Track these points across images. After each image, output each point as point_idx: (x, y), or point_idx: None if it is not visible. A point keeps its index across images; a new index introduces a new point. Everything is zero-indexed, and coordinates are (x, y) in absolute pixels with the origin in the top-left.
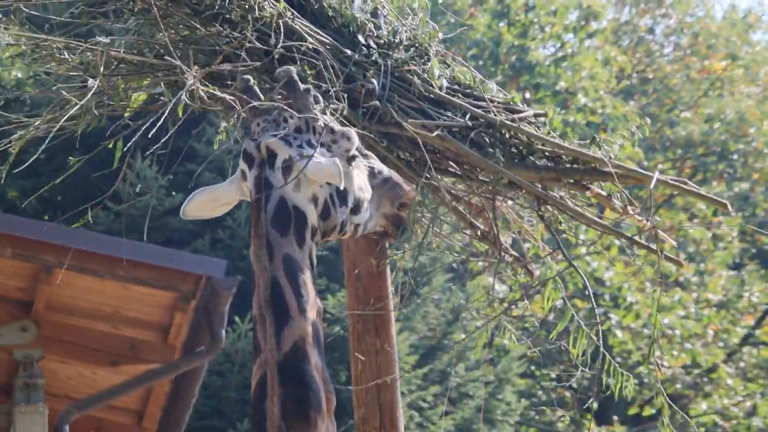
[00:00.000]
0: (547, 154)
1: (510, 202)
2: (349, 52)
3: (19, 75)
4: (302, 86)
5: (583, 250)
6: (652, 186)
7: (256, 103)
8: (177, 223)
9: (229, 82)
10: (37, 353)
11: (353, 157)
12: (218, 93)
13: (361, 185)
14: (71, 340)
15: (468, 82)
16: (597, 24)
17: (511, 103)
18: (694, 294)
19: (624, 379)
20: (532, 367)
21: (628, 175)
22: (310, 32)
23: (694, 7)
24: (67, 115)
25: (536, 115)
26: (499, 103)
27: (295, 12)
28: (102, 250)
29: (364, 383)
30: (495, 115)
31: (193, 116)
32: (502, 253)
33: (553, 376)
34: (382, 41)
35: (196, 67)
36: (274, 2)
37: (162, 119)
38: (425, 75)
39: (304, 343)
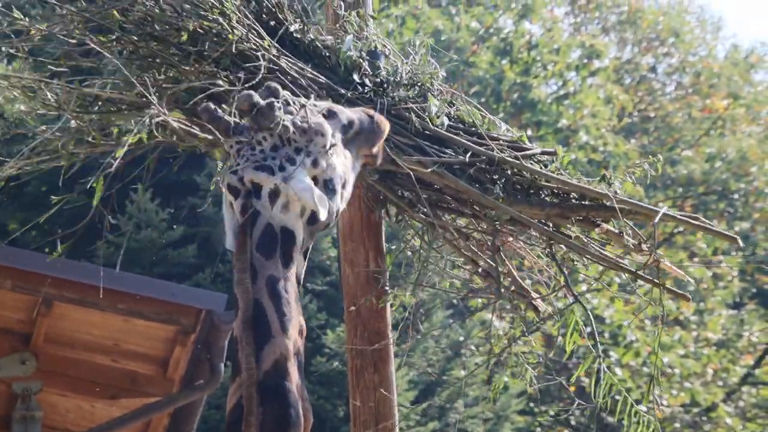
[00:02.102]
0: (553, 191)
1: (522, 238)
2: (342, 90)
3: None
4: (262, 102)
5: (584, 287)
6: (656, 221)
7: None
8: (178, 256)
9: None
10: (36, 386)
11: (332, 146)
12: (193, 129)
13: (342, 168)
14: (70, 373)
15: (471, 120)
16: (599, 62)
17: (518, 141)
18: (693, 333)
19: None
20: (531, 404)
21: (634, 211)
22: (299, 70)
23: (697, 47)
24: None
25: (543, 153)
26: (504, 141)
27: (283, 50)
28: (102, 283)
29: (362, 419)
30: (497, 152)
31: (194, 150)
32: (505, 290)
33: (552, 413)
34: (378, 80)
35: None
36: (258, 41)
37: (154, 154)
38: (426, 113)
39: (285, 360)
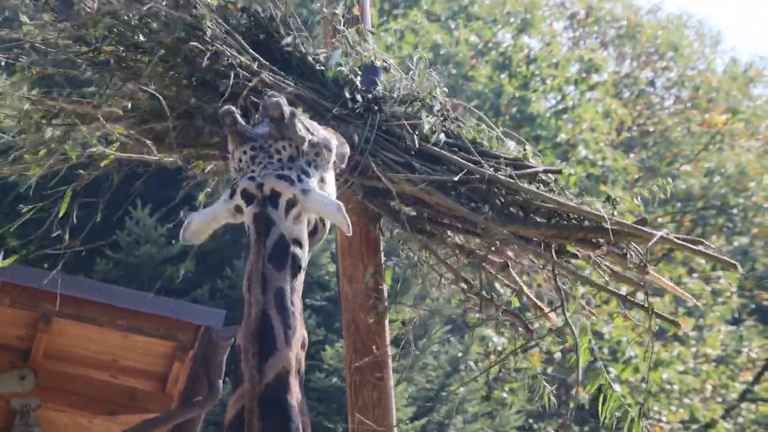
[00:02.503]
0: (549, 211)
1: (528, 257)
2: (329, 105)
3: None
4: (287, 111)
5: (583, 301)
6: (649, 245)
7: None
8: (176, 272)
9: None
10: (35, 402)
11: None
12: (147, 144)
13: (333, 184)
14: (69, 389)
15: (473, 137)
16: (598, 76)
17: (522, 158)
18: (692, 349)
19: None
20: (530, 420)
21: (631, 233)
22: (281, 84)
23: (695, 61)
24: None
25: (547, 171)
26: (506, 158)
27: (266, 64)
28: (101, 299)
29: None
30: (496, 170)
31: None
32: (500, 311)
33: (551, 429)
34: (371, 95)
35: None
36: (236, 55)
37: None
38: (423, 129)
39: (287, 374)
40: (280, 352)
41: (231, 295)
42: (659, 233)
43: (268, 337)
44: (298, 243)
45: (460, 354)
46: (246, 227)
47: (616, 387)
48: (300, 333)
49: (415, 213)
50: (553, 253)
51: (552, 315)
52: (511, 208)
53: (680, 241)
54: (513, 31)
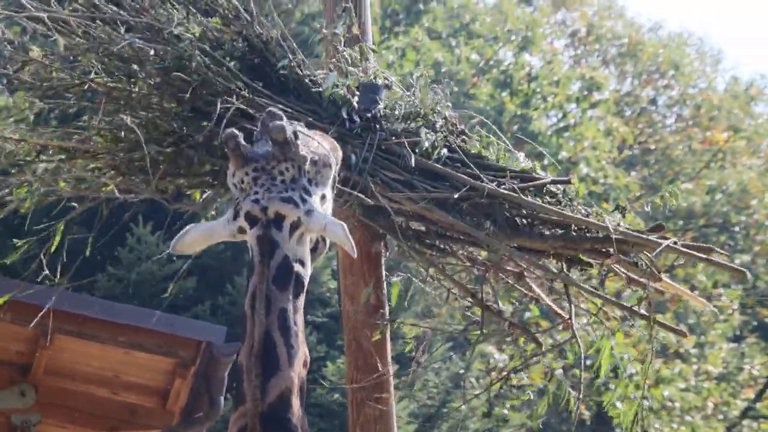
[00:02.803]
0: (555, 223)
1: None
2: (323, 125)
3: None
4: (290, 133)
5: (585, 320)
6: (656, 252)
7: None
8: (178, 289)
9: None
10: (35, 418)
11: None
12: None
13: (332, 201)
14: (70, 405)
15: (478, 150)
16: (599, 94)
17: (530, 171)
18: (694, 366)
19: None
20: None
21: (637, 242)
22: (277, 106)
23: (697, 79)
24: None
25: (555, 182)
26: (513, 171)
27: (259, 88)
28: (102, 316)
29: None
30: (500, 184)
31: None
32: (504, 322)
33: None
34: (370, 114)
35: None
36: (224, 82)
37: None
38: (423, 146)
39: (289, 393)
40: (282, 372)
41: (232, 312)
42: (666, 241)
43: (271, 357)
44: (301, 263)
45: (461, 371)
46: (249, 247)
47: (618, 405)
48: (302, 352)
49: (424, 228)
50: (564, 264)
51: (571, 322)
52: (517, 221)
53: (688, 250)
54: (514, 49)
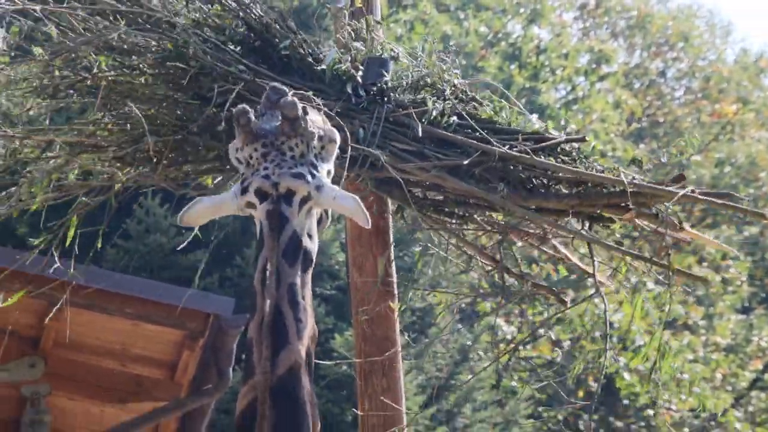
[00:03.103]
0: (570, 181)
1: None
2: (329, 102)
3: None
4: (300, 108)
5: (592, 291)
6: (673, 201)
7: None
8: (186, 261)
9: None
10: (45, 389)
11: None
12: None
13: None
14: (79, 377)
15: (489, 116)
16: (608, 67)
17: (543, 131)
18: (702, 337)
19: None
20: (540, 409)
21: (655, 194)
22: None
23: (706, 51)
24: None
25: (569, 141)
26: (525, 133)
27: (261, 70)
28: (111, 288)
29: (370, 423)
30: (508, 148)
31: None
32: (529, 284)
33: (561, 418)
34: (377, 87)
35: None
36: (224, 67)
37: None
38: (432, 115)
39: (299, 367)
40: (291, 345)
41: (240, 284)
42: (682, 191)
43: (281, 331)
44: (309, 236)
45: (469, 343)
46: (257, 222)
47: (626, 376)
48: (310, 326)
49: (441, 197)
50: (586, 221)
51: (603, 279)
52: (533, 182)
53: (706, 197)
54: (523, 22)
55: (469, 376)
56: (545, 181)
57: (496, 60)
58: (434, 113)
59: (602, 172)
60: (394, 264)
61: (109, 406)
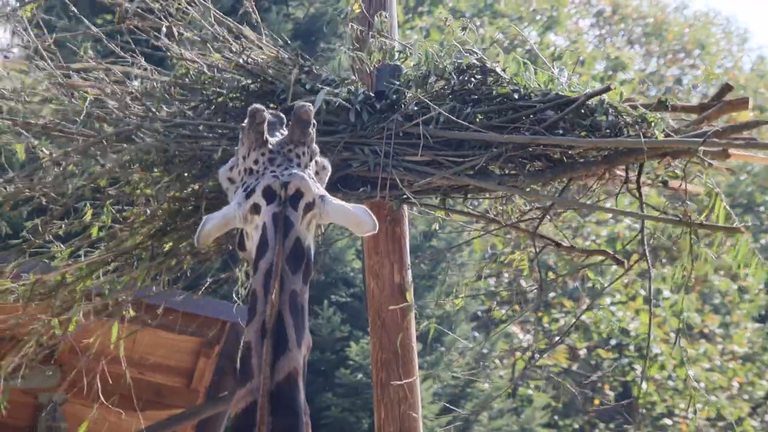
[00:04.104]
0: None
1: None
2: (340, 133)
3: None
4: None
5: (609, 300)
6: (701, 145)
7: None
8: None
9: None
10: (61, 397)
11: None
12: None
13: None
14: (95, 385)
15: (506, 91)
16: (624, 74)
17: (563, 92)
18: (719, 346)
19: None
20: (556, 417)
21: (675, 148)
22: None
23: (722, 59)
24: None
25: (590, 96)
26: (543, 103)
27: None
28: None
29: (387, 431)
30: (538, 121)
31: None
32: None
33: (577, 426)
34: (387, 101)
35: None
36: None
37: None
38: (441, 119)
39: (296, 374)
40: (291, 352)
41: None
42: (703, 138)
43: (281, 337)
44: (309, 248)
45: (485, 351)
46: (257, 227)
47: (643, 385)
48: (307, 336)
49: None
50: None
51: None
52: (560, 156)
53: (730, 140)
54: (539, 29)
55: (486, 384)
56: (569, 152)
57: (511, 67)
58: (441, 118)
59: (629, 125)
60: (410, 271)
61: (126, 413)
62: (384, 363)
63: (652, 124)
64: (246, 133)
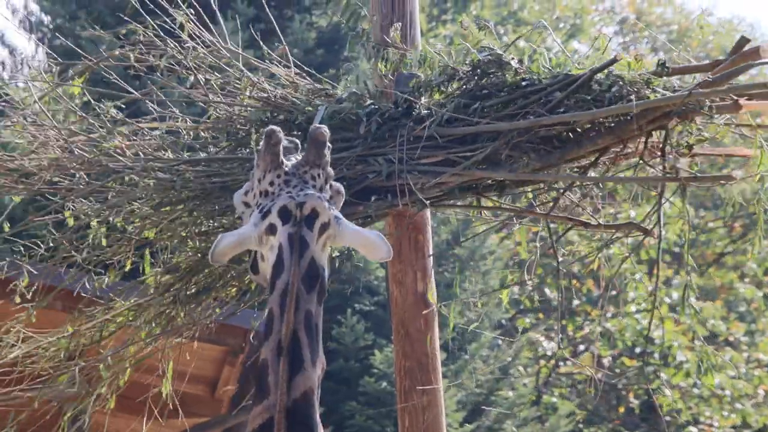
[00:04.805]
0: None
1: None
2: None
3: None
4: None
5: (633, 307)
6: (683, 94)
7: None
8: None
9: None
10: (84, 405)
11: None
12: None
13: None
14: (119, 393)
15: (514, 81)
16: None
17: (569, 71)
18: (744, 354)
19: None
20: (581, 425)
21: (687, 110)
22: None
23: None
24: None
25: (595, 72)
26: (550, 85)
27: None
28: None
29: None
30: (545, 104)
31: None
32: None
33: None
34: (394, 110)
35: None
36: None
37: None
38: (445, 117)
39: (312, 393)
40: (306, 371)
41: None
42: (685, 91)
43: (297, 356)
44: (323, 270)
45: (509, 359)
46: (272, 247)
47: (667, 392)
48: (321, 356)
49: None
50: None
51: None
52: (566, 135)
53: (710, 89)
54: (562, 37)
55: (510, 393)
56: (574, 129)
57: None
58: (442, 117)
59: (633, 93)
60: (433, 279)
61: (150, 422)
62: (407, 371)
63: (654, 87)
64: (262, 155)
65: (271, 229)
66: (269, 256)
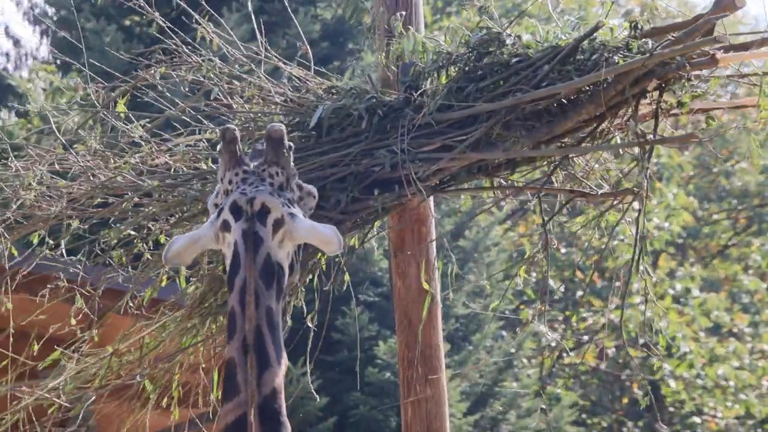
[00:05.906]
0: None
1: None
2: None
3: None
4: (286, 143)
5: (638, 299)
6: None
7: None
8: None
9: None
10: (89, 395)
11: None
12: None
13: None
14: (126, 383)
15: (507, 60)
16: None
17: (556, 44)
18: (748, 344)
19: None
20: (584, 416)
21: (667, 70)
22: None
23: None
24: None
25: (581, 41)
26: (540, 60)
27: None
28: (158, 294)
29: (414, 430)
30: (539, 82)
31: None
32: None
33: (605, 424)
34: (397, 99)
35: None
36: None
37: None
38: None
39: (279, 389)
40: (273, 368)
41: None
42: (655, 52)
43: (263, 353)
44: (281, 267)
45: (513, 350)
46: (229, 244)
47: (671, 383)
48: (283, 353)
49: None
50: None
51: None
52: (553, 109)
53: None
54: (566, 29)
55: (514, 384)
56: (564, 101)
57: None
58: (436, 103)
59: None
60: (437, 270)
61: (156, 412)
62: (410, 362)
63: (633, 49)
64: (220, 154)
65: (225, 226)
66: (227, 253)
